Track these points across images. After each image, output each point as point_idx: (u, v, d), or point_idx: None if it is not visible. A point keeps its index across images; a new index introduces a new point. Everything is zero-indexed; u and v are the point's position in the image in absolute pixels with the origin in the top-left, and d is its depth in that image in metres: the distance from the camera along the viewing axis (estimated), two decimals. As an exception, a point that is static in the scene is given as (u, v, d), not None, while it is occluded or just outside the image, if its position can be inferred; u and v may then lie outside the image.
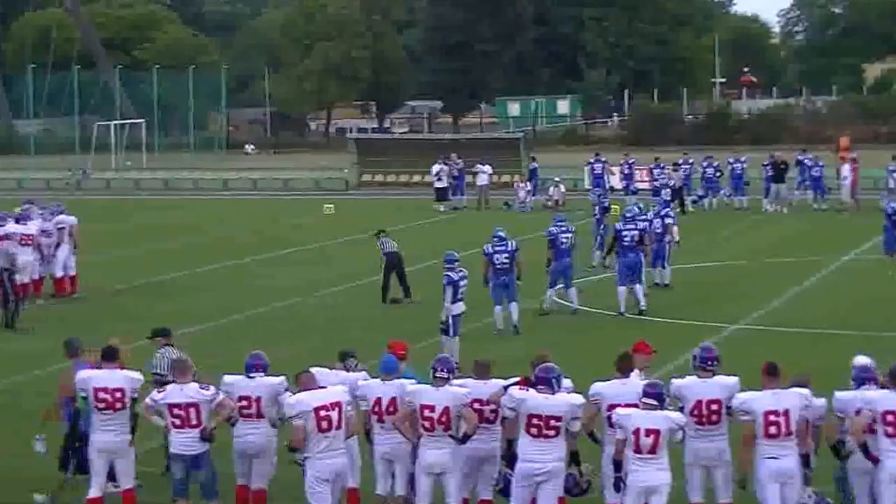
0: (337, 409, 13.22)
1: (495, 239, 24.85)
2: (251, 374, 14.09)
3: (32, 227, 29.57)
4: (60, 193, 55.58)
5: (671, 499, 13.59)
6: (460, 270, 22.24)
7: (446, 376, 13.31)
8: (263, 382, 14.03)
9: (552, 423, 12.88)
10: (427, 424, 13.25)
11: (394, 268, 28.82)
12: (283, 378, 14.06)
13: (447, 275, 22.04)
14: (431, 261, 34.73)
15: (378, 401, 13.70)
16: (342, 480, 13.46)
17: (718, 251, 36.50)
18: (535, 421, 12.96)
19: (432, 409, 13.22)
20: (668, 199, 36.14)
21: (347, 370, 14.40)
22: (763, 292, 29.24)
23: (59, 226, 30.24)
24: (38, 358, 22.73)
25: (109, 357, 14.32)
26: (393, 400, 13.60)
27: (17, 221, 29.68)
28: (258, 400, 13.96)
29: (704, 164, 48.71)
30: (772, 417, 12.70)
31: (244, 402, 14.05)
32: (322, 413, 13.18)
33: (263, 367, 14.17)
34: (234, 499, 14.31)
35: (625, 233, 26.75)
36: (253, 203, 57.07)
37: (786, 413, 12.72)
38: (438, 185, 51.24)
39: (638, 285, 26.56)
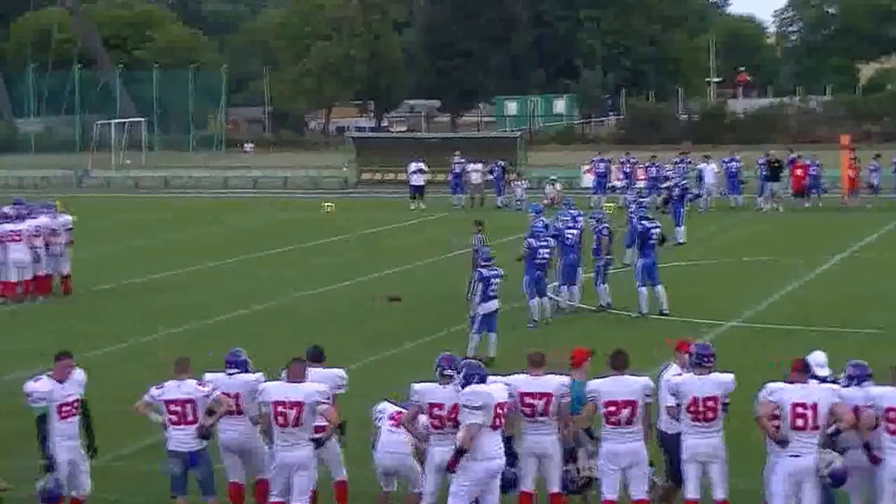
0: (296, 408, 13.27)
1: (540, 235, 25.36)
2: (230, 372, 14.18)
3: (23, 225, 29.61)
4: (60, 192, 55.82)
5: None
6: (494, 269, 22.22)
7: (451, 374, 13.35)
8: (241, 380, 14.09)
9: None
10: (436, 423, 13.32)
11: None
12: (259, 374, 14.12)
13: (479, 271, 22.06)
14: (427, 259, 35.22)
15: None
16: (304, 471, 13.45)
17: (713, 249, 36.81)
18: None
19: (441, 406, 13.28)
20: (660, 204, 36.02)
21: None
22: (758, 290, 29.40)
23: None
24: (22, 358, 22.96)
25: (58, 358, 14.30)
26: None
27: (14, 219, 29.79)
28: (237, 396, 14.02)
29: (700, 163, 49.12)
30: (799, 409, 12.75)
31: None
32: (279, 409, 13.30)
33: (241, 363, 14.23)
34: (234, 495, 14.40)
35: (652, 231, 26.66)
36: (252, 201, 57.38)
37: (814, 406, 12.76)
38: (415, 182, 51.48)
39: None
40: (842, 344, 21.77)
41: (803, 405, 12.77)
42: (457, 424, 13.20)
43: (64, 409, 13.98)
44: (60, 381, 13.97)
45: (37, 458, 14.13)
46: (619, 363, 13.52)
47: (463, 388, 13.06)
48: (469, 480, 13.00)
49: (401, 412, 13.78)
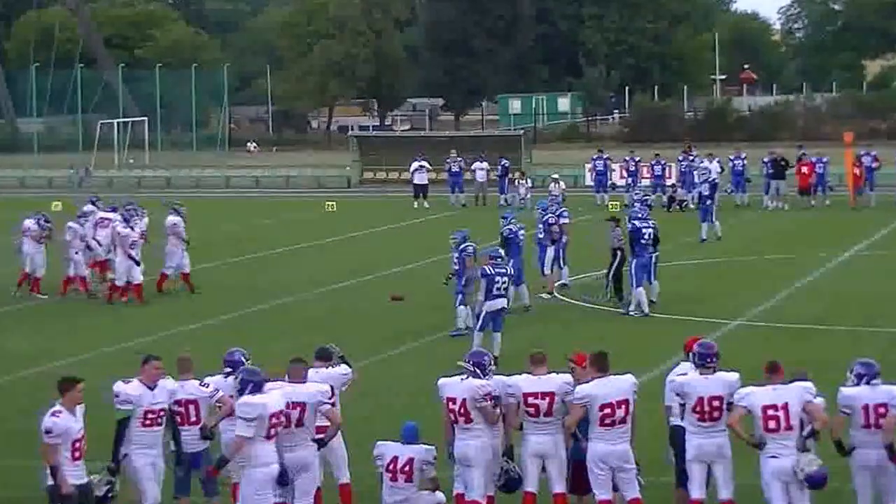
0: (299, 409, 13.16)
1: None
2: (226, 372, 14.03)
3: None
4: (62, 192, 55.70)
5: (668, 493, 13.89)
6: (500, 266, 22.02)
7: (472, 369, 13.40)
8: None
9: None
10: (451, 416, 13.40)
11: (620, 262, 27.65)
12: None
13: (483, 268, 21.90)
14: (431, 258, 35.06)
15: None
16: (307, 471, 13.34)
17: (718, 247, 36.65)
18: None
19: (454, 401, 13.36)
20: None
21: (330, 366, 14.27)
22: (763, 288, 29.26)
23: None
24: (24, 358, 22.85)
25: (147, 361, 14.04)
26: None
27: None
28: (233, 398, 13.71)
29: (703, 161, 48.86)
30: (770, 412, 12.74)
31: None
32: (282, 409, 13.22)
33: (237, 364, 14.01)
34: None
35: (643, 230, 26.39)
36: (254, 200, 57.29)
37: (784, 407, 12.76)
38: (418, 181, 51.42)
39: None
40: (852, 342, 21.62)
41: (774, 407, 12.81)
42: (468, 420, 13.28)
43: (149, 416, 13.53)
44: (151, 388, 13.54)
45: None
46: (603, 365, 13.45)
47: (239, 394, 12.91)
48: (251, 487, 12.79)
49: (397, 456, 13.40)
